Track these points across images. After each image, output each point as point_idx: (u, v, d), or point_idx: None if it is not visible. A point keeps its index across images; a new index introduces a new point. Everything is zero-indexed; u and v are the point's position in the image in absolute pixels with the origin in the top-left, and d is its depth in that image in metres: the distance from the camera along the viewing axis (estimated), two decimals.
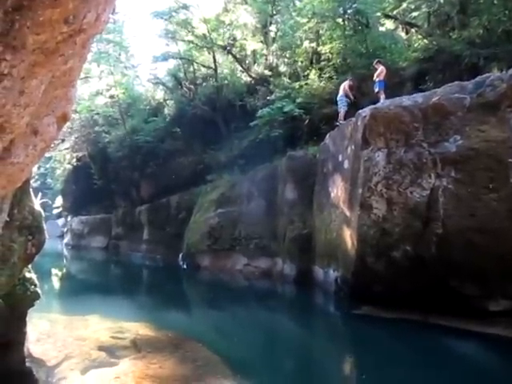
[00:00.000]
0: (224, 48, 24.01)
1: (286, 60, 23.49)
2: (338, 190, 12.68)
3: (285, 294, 14.40)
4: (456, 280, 9.24)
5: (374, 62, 14.08)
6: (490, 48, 13.09)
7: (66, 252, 30.52)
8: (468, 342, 8.37)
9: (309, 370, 7.44)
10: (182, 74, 26.58)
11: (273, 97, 19.63)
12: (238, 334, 9.49)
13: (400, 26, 19.60)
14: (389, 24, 20.49)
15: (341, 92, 14.51)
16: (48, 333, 8.34)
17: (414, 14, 18.37)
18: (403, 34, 19.59)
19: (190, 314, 10.78)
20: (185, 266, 19.43)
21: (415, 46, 17.43)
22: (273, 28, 23.94)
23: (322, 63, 19.80)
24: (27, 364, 6.94)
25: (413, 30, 18.64)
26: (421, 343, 8.24)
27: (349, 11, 19.08)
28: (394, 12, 19.12)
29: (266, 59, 24.10)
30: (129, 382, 5.95)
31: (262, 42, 23.90)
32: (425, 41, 16.70)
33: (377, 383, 6.58)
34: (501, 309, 8.84)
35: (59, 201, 39.12)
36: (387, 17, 19.46)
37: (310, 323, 11.12)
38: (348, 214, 11.60)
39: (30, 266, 7.76)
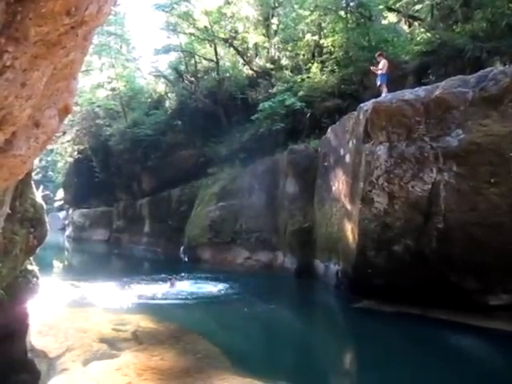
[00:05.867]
0: (225, 41, 23.91)
1: (287, 53, 23.37)
2: (339, 183, 12.68)
3: (285, 288, 14.44)
4: (456, 274, 9.25)
5: (376, 54, 13.97)
6: (494, 42, 13.00)
7: (67, 244, 30.63)
8: (468, 336, 8.40)
9: (308, 362, 7.47)
10: (183, 67, 26.48)
11: (274, 90, 19.58)
12: (239, 327, 9.54)
13: (403, 19, 19.48)
14: (391, 17, 20.38)
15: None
16: (50, 324, 8.38)
17: (417, 6, 18.25)
18: (406, 27, 19.48)
19: (189, 306, 10.82)
20: (186, 259, 19.47)
21: (418, 39, 17.31)
22: (275, 21, 23.82)
23: (324, 56, 19.72)
24: (29, 355, 6.99)
25: (416, 23, 18.53)
26: (421, 337, 8.26)
27: (351, 4, 18.98)
28: (397, 5, 18.98)
29: (268, 52, 24.00)
30: (130, 374, 5.98)
31: (263, 34, 23.77)
32: (428, 34, 16.58)
33: (377, 377, 6.60)
34: (501, 303, 8.87)
35: (60, 193, 39.20)
36: (390, 10, 19.34)
37: (310, 317, 11.15)
38: (349, 207, 11.60)
39: (31, 258, 7.80)
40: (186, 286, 12.95)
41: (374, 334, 8.84)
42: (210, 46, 25.05)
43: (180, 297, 11.51)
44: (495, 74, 9.55)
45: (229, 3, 24.51)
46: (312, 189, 15.18)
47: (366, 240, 10.54)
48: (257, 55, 24.79)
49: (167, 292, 11.95)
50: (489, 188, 9.10)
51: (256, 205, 17.27)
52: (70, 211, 34.59)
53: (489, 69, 10.08)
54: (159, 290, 12.06)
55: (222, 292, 12.37)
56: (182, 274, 14.77)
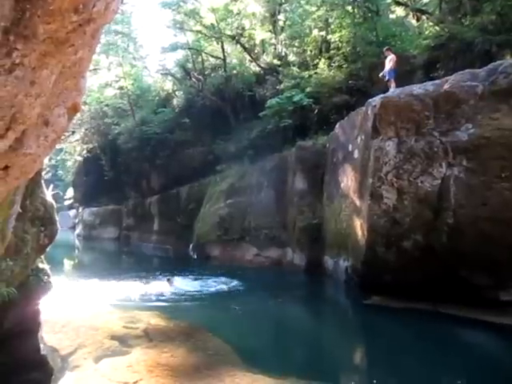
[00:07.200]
0: (232, 38, 23.89)
1: (295, 49, 23.32)
2: (347, 179, 12.63)
3: (295, 284, 14.43)
4: (467, 270, 9.19)
5: (384, 49, 13.87)
6: (503, 34, 12.86)
7: (77, 243, 30.84)
8: (478, 331, 8.34)
9: (319, 359, 7.47)
10: (190, 65, 26.53)
11: (282, 86, 19.55)
12: (249, 324, 9.54)
13: (411, 13, 19.34)
14: (399, 11, 20.25)
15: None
16: (61, 322, 8.45)
17: (425, 0, 18.09)
18: (414, 21, 19.34)
19: (199, 303, 10.85)
20: (195, 257, 19.54)
21: (426, 33, 17.19)
22: (281, 17, 23.75)
23: (332, 52, 19.65)
24: (42, 353, 7.06)
25: (424, 17, 18.38)
26: (431, 333, 8.22)
27: None
28: None
29: (275, 48, 23.96)
30: (141, 371, 6.02)
31: (270, 31, 23.73)
32: (436, 28, 16.44)
33: (388, 372, 6.58)
34: None
35: (70, 192, 39.49)
36: (398, 4, 19.21)
37: (320, 313, 11.15)
38: (358, 203, 11.56)
39: (42, 256, 7.86)
40: (194, 283, 12.98)
41: (385, 330, 8.81)
42: (217, 43, 25.07)
43: (189, 294, 11.55)
44: (505, 67, 9.45)
45: (235, 0, 24.47)
46: (321, 185, 15.15)
47: (375, 236, 10.50)
48: (264, 52, 24.76)
49: (173, 290, 11.92)
50: (500, 182, 9.03)
51: (265, 202, 17.26)
52: (80, 210, 34.82)
53: (499, 62, 9.99)
54: (165, 289, 12.04)
55: (232, 289, 12.40)
56: (190, 272, 14.83)
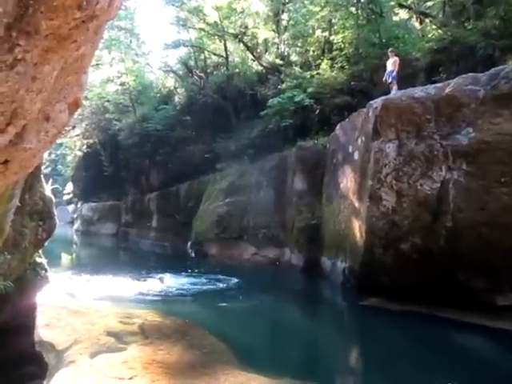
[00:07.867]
0: (235, 36, 23.86)
1: (297, 49, 23.32)
2: (347, 181, 12.64)
3: (292, 284, 14.45)
4: (464, 273, 9.20)
5: (388, 50, 13.83)
6: (506, 39, 12.86)
7: (75, 238, 30.84)
8: (475, 335, 8.35)
9: (314, 359, 7.49)
10: (192, 62, 26.51)
11: (284, 86, 19.53)
12: (245, 323, 9.56)
13: (414, 16, 19.31)
14: (403, 13, 20.22)
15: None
16: (57, 317, 8.45)
17: (429, 3, 18.09)
18: (417, 24, 19.31)
19: (195, 301, 10.87)
20: (193, 254, 19.53)
21: (429, 36, 17.18)
22: (285, 16, 23.74)
23: (334, 53, 19.64)
24: (37, 348, 7.05)
25: (427, 20, 18.36)
26: (427, 336, 8.22)
27: (362, 0, 18.85)
28: (409, 1, 18.85)
29: (278, 48, 23.95)
30: (136, 367, 6.02)
31: (273, 30, 23.71)
32: (439, 31, 16.44)
33: (382, 375, 6.59)
34: (508, 303, 8.81)
35: (69, 187, 39.46)
36: (401, 6, 19.18)
37: (316, 314, 11.16)
38: (357, 205, 11.56)
39: (40, 251, 7.85)
40: (192, 281, 12.99)
41: (380, 332, 8.82)
42: (220, 41, 25.05)
43: (185, 292, 11.56)
44: (507, 72, 9.45)
45: None
46: (320, 185, 15.15)
47: (373, 238, 10.51)
48: (266, 51, 24.74)
49: (166, 288, 11.87)
50: (499, 187, 9.03)
51: (264, 201, 17.27)
52: (79, 205, 34.82)
53: (501, 67, 9.99)
54: (159, 287, 11.99)
55: (229, 288, 12.41)
56: (189, 269, 14.84)
